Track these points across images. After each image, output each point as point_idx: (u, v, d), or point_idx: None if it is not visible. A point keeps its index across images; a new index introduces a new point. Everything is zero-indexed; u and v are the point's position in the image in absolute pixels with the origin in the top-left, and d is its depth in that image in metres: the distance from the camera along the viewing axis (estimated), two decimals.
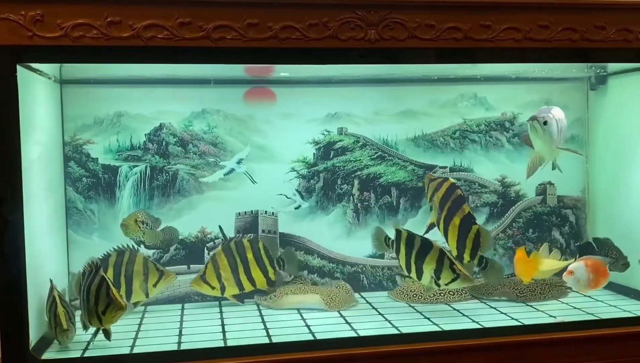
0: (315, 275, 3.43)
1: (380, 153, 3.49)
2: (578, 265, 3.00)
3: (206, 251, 3.33)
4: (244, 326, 2.87)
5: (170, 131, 3.32)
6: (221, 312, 3.10)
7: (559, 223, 3.64)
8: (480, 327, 2.81)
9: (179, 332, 2.82)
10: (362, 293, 3.38)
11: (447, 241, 2.97)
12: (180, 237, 3.29)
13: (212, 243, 3.34)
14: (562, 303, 3.17)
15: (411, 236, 2.94)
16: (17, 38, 2.26)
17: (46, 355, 2.54)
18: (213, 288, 3.11)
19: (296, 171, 3.44)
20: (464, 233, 2.91)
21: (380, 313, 3.03)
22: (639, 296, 3.18)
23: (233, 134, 3.37)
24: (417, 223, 3.39)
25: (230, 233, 3.35)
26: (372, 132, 3.49)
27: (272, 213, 3.40)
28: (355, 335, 2.73)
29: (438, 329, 2.77)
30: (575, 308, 3.07)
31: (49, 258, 2.85)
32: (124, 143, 3.28)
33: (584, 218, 3.66)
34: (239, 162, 3.36)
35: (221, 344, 2.63)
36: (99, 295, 2.43)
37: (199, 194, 3.34)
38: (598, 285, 3.03)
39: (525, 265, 3.11)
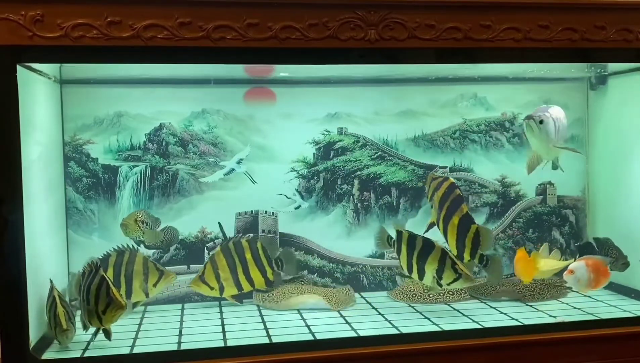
0: (315, 275, 3.43)
1: (380, 153, 3.49)
2: (579, 265, 3.00)
3: (206, 251, 3.33)
4: (244, 326, 2.87)
5: (170, 131, 3.32)
6: (221, 312, 3.10)
7: (559, 223, 3.64)
8: (480, 327, 2.81)
9: (179, 332, 2.82)
10: (362, 293, 3.38)
11: (447, 241, 2.97)
12: (180, 237, 3.29)
13: (212, 243, 3.34)
14: (562, 303, 3.17)
15: (412, 237, 2.94)
16: (17, 38, 2.26)
17: (46, 355, 2.54)
18: (212, 288, 3.11)
19: (296, 171, 3.44)
20: (463, 232, 2.91)
21: (380, 313, 3.03)
22: (639, 296, 3.18)
23: (233, 134, 3.37)
24: (417, 223, 3.38)
25: (230, 233, 3.35)
26: (372, 132, 3.49)
27: (272, 213, 3.40)
28: (355, 335, 2.73)
29: (438, 329, 2.77)
30: (575, 308, 3.07)
31: (49, 258, 2.85)
32: (124, 143, 3.28)
33: (584, 218, 3.66)
34: (239, 162, 3.36)
35: (221, 344, 2.63)
36: (99, 294, 2.43)
37: (199, 194, 3.34)
38: (599, 284, 3.03)
39: (526, 265, 3.12)
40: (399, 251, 3.01)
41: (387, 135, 3.50)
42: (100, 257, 2.95)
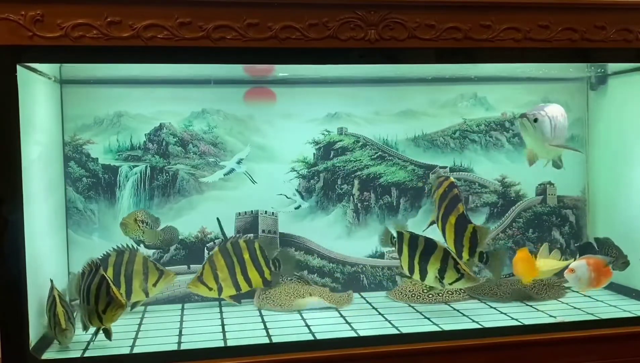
0: (315, 275, 3.43)
1: (380, 153, 3.49)
2: (579, 264, 3.00)
3: (206, 251, 3.33)
4: (244, 326, 2.87)
5: (170, 131, 3.32)
6: (221, 312, 3.10)
7: (559, 223, 3.64)
8: (480, 327, 2.81)
9: (179, 332, 2.82)
10: (362, 293, 3.39)
11: (445, 239, 2.98)
12: (180, 237, 3.29)
13: (212, 243, 3.34)
14: (562, 303, 3.17)
15: (414, 237, 2.94)
16: (17, 38, 2.26)
17: (46, 355, 2.54)
18: (210, 289, 3.11)
19: (296, 171, 3.44)
20: (460, 232, 2.92)
21: (380, 313, 3.03)
22: (639, 296, 3.18)
23: (233, 134, 3.37)
24: (417, 223, 3.38)
25: (230, 233, 3.35)
26: (372, 132, 3.49)
27: (272, 213, 3.40)
28: (355, 335, 2.73)
29: (438, 329, 2.77)
30: (575, 308, 3.07)
31: (49, 258, 2.85)
32: (124, 143, 3.28)
33: (584, 218, 3.66)
34: (239, 162, 3.36)
35: (221, 344, 2.63)
36: (99, 293, 2.43)
37: (199, 194, 3.34)
38: (599, 284, 3.03)
39: (526, 265, 3.12)
40: (400, 252, 3.00)
41: (387, 135, 3.50)
42: (100, 257, 2.95)
